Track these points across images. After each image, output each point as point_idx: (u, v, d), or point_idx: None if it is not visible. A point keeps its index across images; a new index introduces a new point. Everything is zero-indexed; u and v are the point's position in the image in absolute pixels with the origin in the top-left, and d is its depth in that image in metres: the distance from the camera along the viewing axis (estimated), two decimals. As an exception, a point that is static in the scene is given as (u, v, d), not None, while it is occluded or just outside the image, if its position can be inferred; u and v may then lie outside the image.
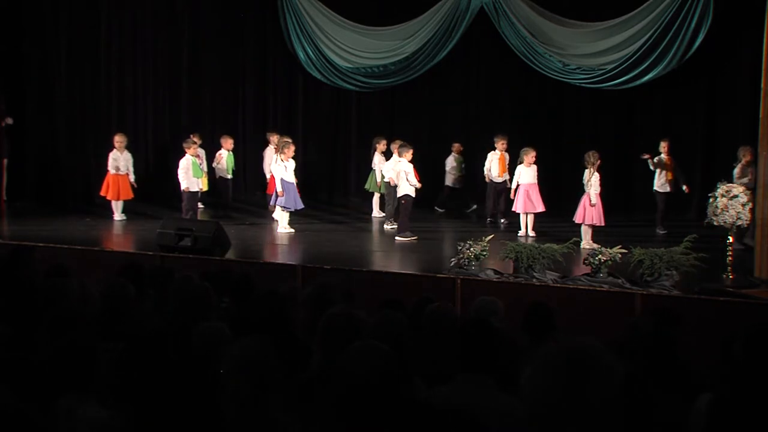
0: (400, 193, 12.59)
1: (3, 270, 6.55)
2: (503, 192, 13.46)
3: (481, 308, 5.62)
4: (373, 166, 14.24)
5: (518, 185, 12.68)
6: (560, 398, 1.97)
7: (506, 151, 13.68)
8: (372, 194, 14.44)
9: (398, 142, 13.22)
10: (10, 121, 14.52)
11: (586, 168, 11.81)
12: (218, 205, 14.59)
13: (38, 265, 6.88)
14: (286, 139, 13.32)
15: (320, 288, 4.94)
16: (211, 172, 14.82)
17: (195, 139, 14.03)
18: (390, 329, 4.04)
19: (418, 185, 12.49)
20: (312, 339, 4.22)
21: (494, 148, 13.63)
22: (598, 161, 11.78)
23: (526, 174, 12.70)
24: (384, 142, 14.10)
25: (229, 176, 14.60)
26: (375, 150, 14.26)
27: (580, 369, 2.00)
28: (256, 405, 3.29)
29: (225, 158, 14.50)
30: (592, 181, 11.68)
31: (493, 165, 13.59)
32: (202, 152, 14.59)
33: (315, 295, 4.83)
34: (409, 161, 12.55)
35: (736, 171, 11.48)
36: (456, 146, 14.97)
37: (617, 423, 2.00)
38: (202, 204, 14.69)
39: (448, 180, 15.02)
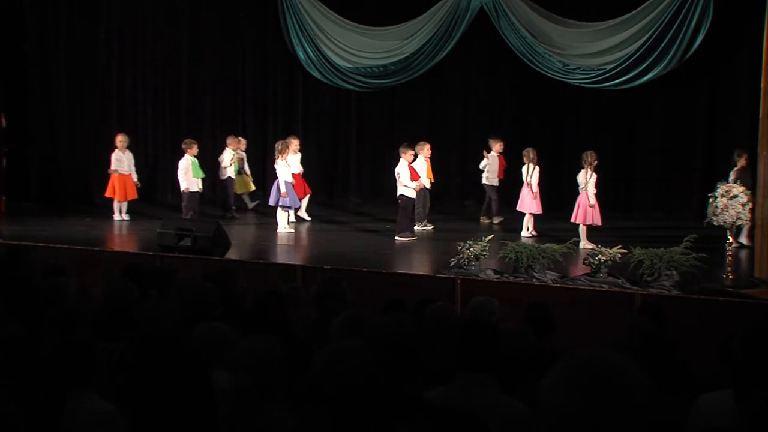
0: (398, 192, 12.58)
1: (0, 270, 6.55)
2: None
3: (477, 308, 5.61)
4: None
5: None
6: (583, 416, 1.85)
7: (503, 153, 13.69)
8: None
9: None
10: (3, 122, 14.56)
11: (583, 168, 11.81)
12: (223, 205, 14.54)
13: (35, 264, 6.88)
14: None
15: (326, 285, 4.91)
16: (214, 171, 14.79)
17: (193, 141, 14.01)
18: (395, 331, 4.03)
19: (414, 186, 12.42)
20: (316, 338, 4.20)
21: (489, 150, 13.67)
22: (596, 161, 11.77)
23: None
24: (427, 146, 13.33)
25: (234, 176, 14.61)
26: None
27: (605, 384, 1.86)
28: (253, 404, 3.30)
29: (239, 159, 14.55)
30: (590, 182, 11.68)
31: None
32: (243, 155, 14.68)
33: (322, 293, 4.80)
34: (411, 162, 12.55)
35: (731, 175, 11.39)
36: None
37: None
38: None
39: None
